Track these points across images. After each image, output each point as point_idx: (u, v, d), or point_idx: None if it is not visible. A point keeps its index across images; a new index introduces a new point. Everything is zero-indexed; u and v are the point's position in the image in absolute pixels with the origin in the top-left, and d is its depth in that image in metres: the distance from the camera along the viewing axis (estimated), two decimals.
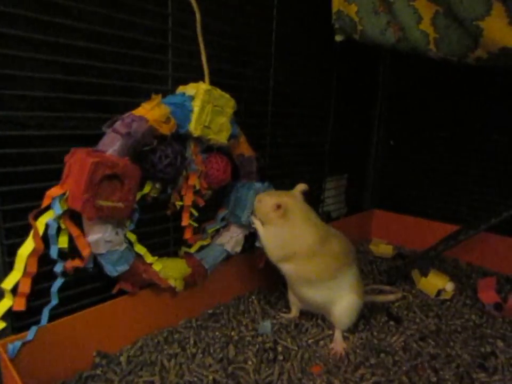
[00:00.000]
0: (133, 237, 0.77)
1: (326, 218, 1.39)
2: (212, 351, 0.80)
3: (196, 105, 0.77)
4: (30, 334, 0.66)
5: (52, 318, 0.70)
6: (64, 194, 0.65)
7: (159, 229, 0.88)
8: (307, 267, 0.84)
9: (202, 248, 0.92)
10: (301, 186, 0.90)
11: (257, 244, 0.92)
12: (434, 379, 0.75)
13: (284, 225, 0.83)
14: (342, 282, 0.86)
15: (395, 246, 1.44)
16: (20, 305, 0.65)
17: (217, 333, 0.86)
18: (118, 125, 0.68)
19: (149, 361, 0.77)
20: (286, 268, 0.86)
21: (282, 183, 1.16)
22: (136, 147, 0.70)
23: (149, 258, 0.80)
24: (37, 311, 0.69)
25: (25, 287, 0.65)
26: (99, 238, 0.69)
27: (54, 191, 0.65)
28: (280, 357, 0.80)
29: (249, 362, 0.77)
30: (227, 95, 0.81)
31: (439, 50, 0.82)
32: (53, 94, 0.69)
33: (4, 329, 0.66)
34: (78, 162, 0.64)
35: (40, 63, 0.67)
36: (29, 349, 0.66)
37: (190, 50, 0.84)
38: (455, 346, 0.85)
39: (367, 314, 0.96)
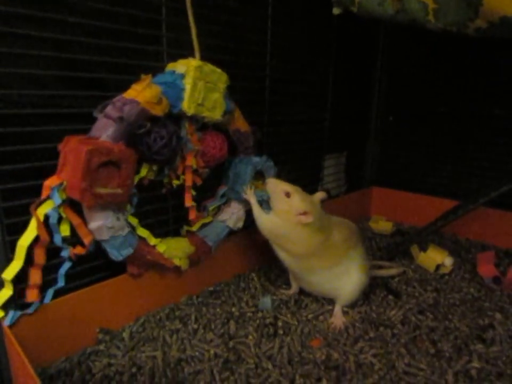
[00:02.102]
0: (134, 221, 0.77)
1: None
2: (213, 326, 0.82)
3: (188, 83, 0.74)
4: (31, 308, 0.67)
5: (55, 295, 0.71)
6: (61, 183, 0.64)
7: (157, 209, 0.87)
8: (308, 260, 0.84)
9: (204, 226, 0.92)
10: (321, 195, 0.88)
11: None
12: (432, 351, 0.76)
13: (297, 227, 0.81)
14: (348, 265, 0.86)
15: (394, 223, 1.44)
16: (33, 297, 0.67)
17: (218, 309, 0.87)
18: (109, 109, 0.67)
19: (151, 337, 0.78)
20: (284, 256, 0.86)
21: (281, 161, 1.15)
22: (130, 131, 0.68)
23: (152, 240, 0.80)
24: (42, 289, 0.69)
25: (37, 279, 0.66)
26: (101, 225, 0.69)
27: (52, 181, 0.65)
28: (281, 332, 0.81)
29: (250, 337, 0.78)
30: (219, 70, 0.79)
31: (438, 21, 0.80)
32: (43, 71, 0.68)
33: (7, 305, 0.66)
34: (72, 151, 0.63)
35: (31, 40, 0.65)
36: (33, 325, 0.68)
37: (185, 25, 0.82)
38: (453, 319, 0.86)
39: (366, 289, 0.96)
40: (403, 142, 1.51)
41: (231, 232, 0.96)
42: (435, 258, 1.09)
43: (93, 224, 0.69)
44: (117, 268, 0.79)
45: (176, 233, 0.90)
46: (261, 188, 0.90)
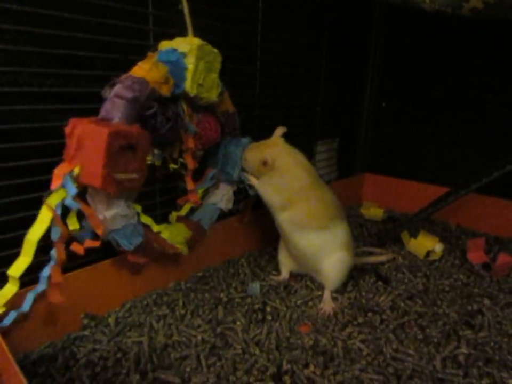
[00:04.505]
0: (138, 208, 0.76)
1: None
2: (200, 312, 0.81)
3: (191, 63, 0.72)
4: (7, 319, 0.61)
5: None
6: (72, 171, 0.60)
7: (143, 195, 0.85)
8: (301, 213, 0.84)
9: (193, 209, 0.91)
10: (280, 130, 0.90)
11: (251, 193, 0.93)
12: (420, 336, 0.75)
13: (275, 174, 0.84)
14: (333, 235, 0.86)
15: (386, 209, 1.44)
16: (56, 298, 0.63)
17: (206, 295, 0.86)
18: (119, 89, 0.63)
19: (137, 322, 0.77)
20: (284, 217, 0.86)
21: None
22: (140, 112, 0.66)
23: (155, 227, 0.79)
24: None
25: (58, 277, 0.62)
26: (116, 214, 0.66)
27: (63, 168, 0.60)
28: (269, 317, 0.80)
29: (238, 323, 0.77)
30: (215, 50, 0.77)
31: (433, 1, 0.78)
32: (19, 47, 0.65)
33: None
34: (88, 134, 0.59)
35: (10, 14, 0.62)
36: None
37: (172, 2, 0.79)
38: (442, 305, 0.86)
39: (355, 275, 0.96)
40: (396, 129, 1.49)
41: (220, 217, 0.95)
42: (425, 244, 1.08)
43: (108, 213, 0.65)
44: (102, 252, 0.78)
45: (163, 219, 0.88)
46: None
